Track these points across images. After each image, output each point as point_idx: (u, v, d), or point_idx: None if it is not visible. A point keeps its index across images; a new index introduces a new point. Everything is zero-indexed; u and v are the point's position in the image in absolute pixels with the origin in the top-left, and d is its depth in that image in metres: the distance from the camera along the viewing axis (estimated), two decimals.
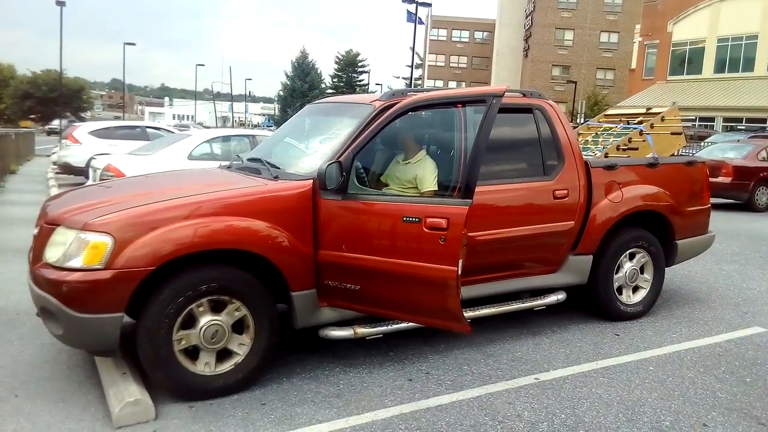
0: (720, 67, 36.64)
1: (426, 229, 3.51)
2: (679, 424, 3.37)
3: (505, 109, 4.63)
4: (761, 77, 34.05)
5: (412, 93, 4.31)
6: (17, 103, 61.52)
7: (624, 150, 6.21)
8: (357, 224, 3.74)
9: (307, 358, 4.16)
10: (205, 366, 3.55)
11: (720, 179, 12.83)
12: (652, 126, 6.38)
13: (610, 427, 3.32)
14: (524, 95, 4.82)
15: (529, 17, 58.93)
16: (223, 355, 3.62)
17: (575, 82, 46.11)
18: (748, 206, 13.01)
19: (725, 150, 14.14)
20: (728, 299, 5.88)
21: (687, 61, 38.67)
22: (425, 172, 4.09)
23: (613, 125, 6.79)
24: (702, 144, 19.68)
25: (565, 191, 4.67)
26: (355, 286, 3.75)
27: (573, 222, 4.72)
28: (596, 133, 6.83)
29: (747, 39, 35.22)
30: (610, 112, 7.65)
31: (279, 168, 4.13)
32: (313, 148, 4.45)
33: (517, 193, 4.53)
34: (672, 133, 6.36)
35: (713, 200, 13.73)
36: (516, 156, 4.72)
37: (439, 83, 70.41)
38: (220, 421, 3.30)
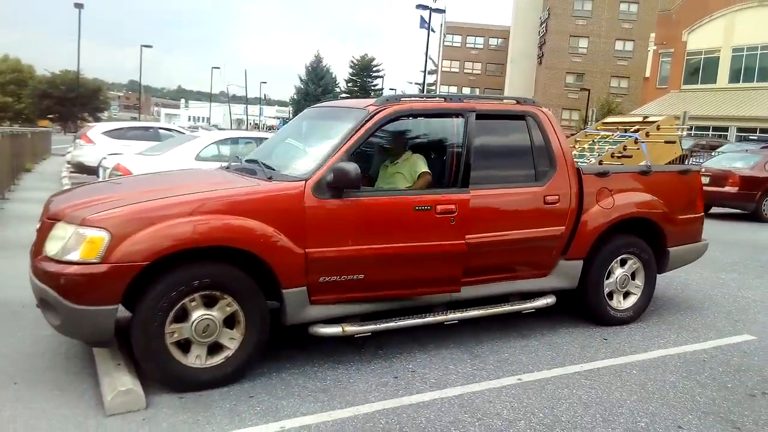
0: (735, 77, 36.42)
1: (437, 215, 4.05)
2: (654, 425, 3.44)
3: (499, 116, 4.79)
4: None
5: (405, 99, 4.45)
6: (35, 102, 62.48)
7: (618, 157, 6.27)
8: (365, 218, 4.00)
9: (298, 354, 4.27)
10: (196, 359, 3.67)
11: (727, 189, 12.81)
12: (647, 134, 6.43)
13: (586, 426, 3.40)
14: (518, 102, 4.92)
15: (544, 24, 58.86)
16: (214, 348, 3.74)
17: (588, 90, 45.98)
18: (754, 216, 12.96)
19: (733, 160, 14.09)
20: (721, 307, 5.92)
21: (701, 70, 38.48)
22: (416, 163, 4.37)
23: (610, 133, 6.86)
24: (713, 153, 19.58)
25: (556, 197, 4.75)
26: (358, 276, 4.00)
27: (563, 227, 4.80)
28: (593, 141, 6.91)
29: (762, 49, 35.00)
30: (608, 120, 7.71)
31: (274, 169, 4.26)
32: (307, 150, 4.58)
33: (508, 197, 4.61)
34: (666, 142, 6.40)
35: (719, 210, 13.79)
36: (508, 162, 4.80)
37: (453, 89, 70.47)
38: (207, 411, 3.42)
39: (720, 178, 13.00)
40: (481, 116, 4.54)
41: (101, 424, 3.25)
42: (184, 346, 3.66)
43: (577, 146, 6.95)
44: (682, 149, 8.94)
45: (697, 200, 5.64)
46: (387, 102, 4.33)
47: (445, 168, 4.38)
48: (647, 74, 46.43)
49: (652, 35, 45.34)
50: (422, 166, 4.37)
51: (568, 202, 4.80)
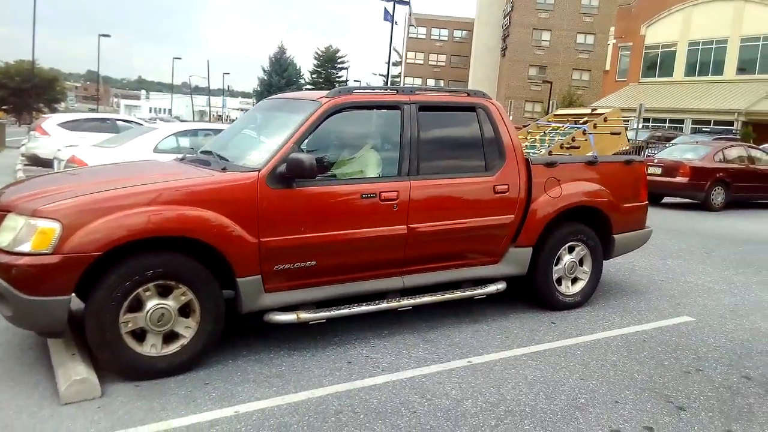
0: (690, 70, 37.49)
1: (381, 202, 4.27)
2: (593, 401, 3.64)
3: (450, 107, 4.94)
4: (730, 81, 34.94)
5: (358, 91, 4.56)
6: None
7: (567, 148, 6.49)
8: (316, 207, 4.10)
9: (255, 342, 4.35)
10: (151, 347, 3.72)
11: (678, 179, 13.25)
12: (595, 126, 6.67)
13: (529, 403, 3.57)
14: (468, 95, 5.06)
15: (507, 17, 59.48)
16: (170, 337, 3.79)
17: (551, 83, 46.70)
18: (704, 206, 13.43)
19: (684, 151, 14.57)
20: (665, 291, 6.20)
21: (659, 63, 39.48)
22: (368, 162, 4.43)
23: (561, 125, 7.08)
24: (667, 145, 20.17)
25: (506, 186, 4.91)
26: (310, 263, 4.11)
27: (513, 215, 4.97)
28: (545, 132, 7.12)
29: (717, 43, 36.07)
30: (559, 111, 7.95)
31: (228, 160, 4.32)
32: (261, 141, 4.65)
33: (459, 187, 4.75)
34: (612, 133, 6.65)
35: (671, 200, 14.26)
36: (458, 152, 4.93)
37: (418, 81, 70.77)
38: (163, 398, 3.48)
39: (671, 168, 13.44)
40: (430, 108, 4.68)
41: (56, 412, 3.28)
42: (140, 335, 3.71)
43: (528, 137, 7.16)
44: (629, 140, 9.24)
45: (642, 189, 5.88)
46: (339, 94, 4.42)
47: (393, 157, 4.49)
48: (607, 67, 47.37)
49: (613, 29, 46.24)
50: (372, 168, 4.48)
51: (518, 191, 4.97)
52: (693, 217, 12.39)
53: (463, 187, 4.77)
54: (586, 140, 6.44)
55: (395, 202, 4.36)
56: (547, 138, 6.90)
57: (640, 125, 27.44)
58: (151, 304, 3.68)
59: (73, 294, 3.53)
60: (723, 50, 35.82)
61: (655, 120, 36.31)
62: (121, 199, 3.60)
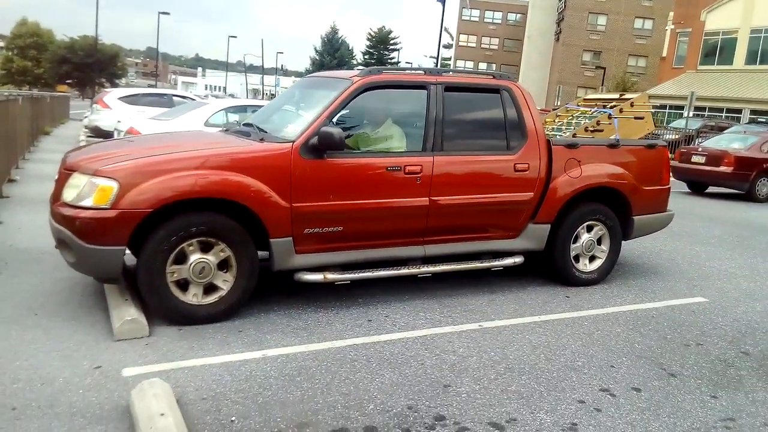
0: (752, 59, 36.14)
1: (405, 175, 4.58)
2: (590, 364, 3.92)
3: (475, 89, 5.22)
4: None
5: (387, 71, 4.89)
6: (54, 67, 63.27)
7: (591, 131, 6.67)
8: (344, 177, 4.48)
9: (285, 300, 4.79)
10: (193, 296, 4.20)
11: (721, 168, 13.08)
12: (620, 110, 6.82)
13: (529, 362, 3.89)
14: (494, 77, 5.32)
15: (563, 1, 58.21)
16: (210, 289, 4.26)
17: (604, 68, 45.67)
18: (748, 196, 13.22)
19: (731, 140, 14.32)
20: (685, 274, 6.35)
21: (718, 50, 38.18)
22: (395, 138, 4.77)
23: (589, 109, 7.25)
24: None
25: (526, 165, 5.18)
26: (337, 228, 4.51)
27: (532, 193, 5.23)
28: (572, 116, 7.30)
29: None
30: (589, 96, 8.09)
31: (266, 132, 4.74)
32: (297, 115, 5.04)
33: (480, 164, 5.04)
34: (635, 118, 6.78)
35: (714, 189, 14.07)
36: (482, 131, 5.22)
37: (470, 64, 70.18)
38: (201, 340, 3.95)
39: (715, 158, 13.27)
40: (455, 89, 4.98)
41: (110, 346, 3.79)
42: (183, 285, 4.18)
43: (557, 120, 7.36)
44: (657, 125, 9.27)
45: (664, 173, 6.03)
46: (370, 73, 4.77)
47: (418, 134, 4.82)
48: (664, 54, 46.01)
49: (671, 14, 44.82)
50: (398, 143, 4.81)
51: (538, 170, 5.23)
52: (734, 207, 12.25)
53: (484, 164, 5.07)
54: (610, 124, 6.61)
55: (419, 175, 4.69)
56: (574, 121, 7.09)
57: (691, 113, 26.74)
58: (194, 257, 4.14)
59: (127, 249, 4.01)
60: None
61: (711, 109, 35.26)
62: (170, 163, 4.06)
